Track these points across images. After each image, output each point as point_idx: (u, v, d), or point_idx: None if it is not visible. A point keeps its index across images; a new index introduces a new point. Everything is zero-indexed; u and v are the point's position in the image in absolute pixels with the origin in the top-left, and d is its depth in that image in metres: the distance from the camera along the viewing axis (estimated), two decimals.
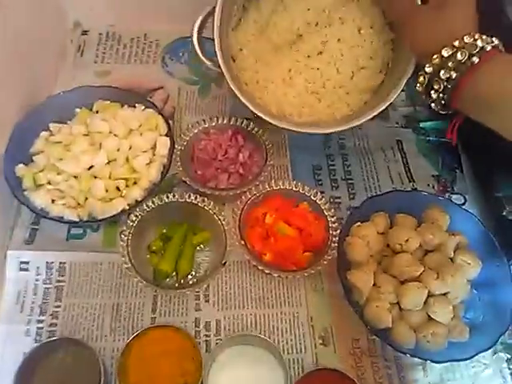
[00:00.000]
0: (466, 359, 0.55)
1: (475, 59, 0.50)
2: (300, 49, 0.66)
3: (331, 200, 0.71)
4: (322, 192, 0.70)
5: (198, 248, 0.64)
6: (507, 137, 0.48)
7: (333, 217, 0.64)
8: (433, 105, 0.55)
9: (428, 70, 0.53)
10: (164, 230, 0.64)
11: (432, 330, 0.56)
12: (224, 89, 0.81)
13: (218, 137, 0.70)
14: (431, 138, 0.79)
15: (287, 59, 0.66)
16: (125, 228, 0.61)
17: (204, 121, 0.71)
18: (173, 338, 0.56)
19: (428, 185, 0.75)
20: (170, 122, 0.73)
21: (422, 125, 0.80)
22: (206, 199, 0.63)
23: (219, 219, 0.62)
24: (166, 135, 0.67)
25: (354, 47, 0.65)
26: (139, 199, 0.63)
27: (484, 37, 0.51)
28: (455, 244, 0.62)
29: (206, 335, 0.60)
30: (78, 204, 0.63)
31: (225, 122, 0.71)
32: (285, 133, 0.75)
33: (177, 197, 0.63)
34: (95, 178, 0.64)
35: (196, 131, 0.70)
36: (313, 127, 0.65)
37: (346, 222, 0.62)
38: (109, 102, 0.71)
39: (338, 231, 0.62)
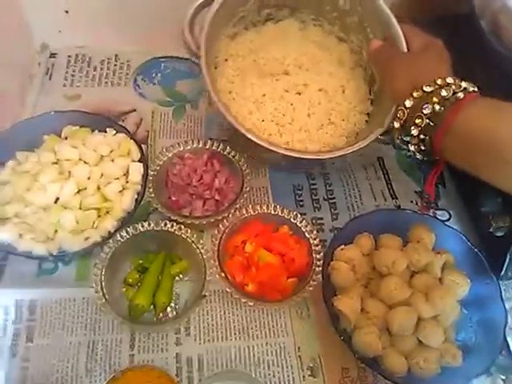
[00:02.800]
0: None
1: (460, 95, 0.49)
2: (282, 80, 0.65)
3: (313, 221, 0.69)
4: (303, 214, 0.68)
5: (176, 278, 0.61)
6: (495, 183, 0.47)
7: (315, 239, 0.62)
8: (411, 148, 0.53)
9: (408, 103, 0.52)
10: (140, 261, 0.61)
11: (424, 356, 0.54)
12: (199, 110, 0.79)
13: (192, 161, 0.67)
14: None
15: (266, 85, 0.65)
16: (98, 261, 0.57)
17: (178, 144, 0.68)
18: (152, 379, 0.52)
19: (411, 201, 0.73)
20: (144, 146, 0.71)
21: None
22: (182, 227, 0.60)
23: (197, 248, 0.59)
24: (139, 161, 0.65)
25: (332, 102, 0.65)
26: (112, 230, 0.60)
27: (466, 81, 0.51)
28: (442, 263, 0.60)
29: (189, 371, 0.56)
30: (48, 237, 0.59)
31: (200, 145, 0.68)
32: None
33: (152, 225, 0.60)
34: (65, 208, 0.60)
35: (170, 155, 0.67)
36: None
37: (330, 245, 0.59)
38: (78, 127, 0.68)
39: (322, 254, 0.60)
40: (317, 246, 0.61)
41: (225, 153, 0.68)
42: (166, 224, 0.60)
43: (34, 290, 0.60)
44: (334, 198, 0.72)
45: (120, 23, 0.82)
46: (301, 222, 0.63)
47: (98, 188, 0.62)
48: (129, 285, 0.60)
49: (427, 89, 0.50)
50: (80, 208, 0.60)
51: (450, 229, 0.63)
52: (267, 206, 0.63)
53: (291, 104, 0.65)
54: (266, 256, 0.59)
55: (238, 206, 0.63)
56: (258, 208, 0.63)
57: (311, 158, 0.61)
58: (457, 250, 0.62)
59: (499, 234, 0.62)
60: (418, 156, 0.53)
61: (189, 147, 0.68)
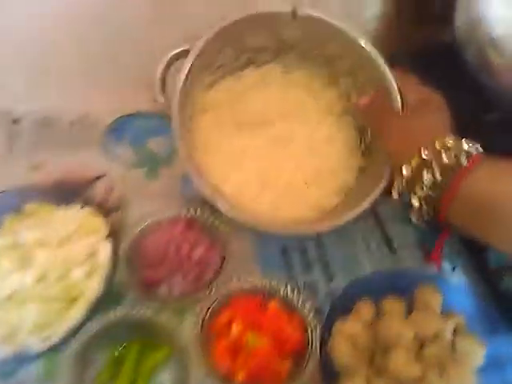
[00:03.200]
0: None
1: (464, 161, 0.44)
2: (265, 133, 0.60)
3: (306, 286, 0.62)
4: (293, 278, 0.62)
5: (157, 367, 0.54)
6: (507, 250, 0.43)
7: (310, 312, 0.55)
8: (413, 217, 0.48)
9: (406, 172, 0.47)
10: (115, 353, 0.54)
11: None
12: (174, 168, 0.73)
13: (168, 231, 0.61)
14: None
15: (246, 139, 0.61)
16: (63, 357, 0.50)
17: (152, 213, 0.62)
18: None
19: (411, 253, 0.67)
20: (115, 214, 0.65)
21: None
22: (160, 310, 0.54)
23: (177, 333, 0.53)
24: (109, 237, 0.58)
25: (321, 156, 0.61)
26: (80, 321, 0.53)
27: (467, 140, 0.46)
28: (453, 328, 0.54)
29: None
30: (5, 335, 0.52)
31: (176, 212, 0.62)
32: None
33: (125, 311, 0.53)
34: (25, 301, 0.53)
35: (143, 226, 0.61)
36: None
37: (326, 318, 0.53)
38: (40, 203, 0.62)
39: (319, 328, 0.53)
40: (312, 319, 0.54)
41: (204, 219, 0.62)
42: (140, 309, 0.53)
43: None
44: (326, 256, 0.65)
45: (88, 81, 0.77)
46: (292, 293, 0.56)
47: (62, 274, 0.55)
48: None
49: (426, 155, 0.45)
50: (42, 299, 0.54)
51: (457, 286, 0.58)
52: (253, 277, 0.57)
53: (275, 159, 0.59)
54: (255, 340, 0.52)
55: (220, 279, 0.57)
56: (243, 280, 0.57)
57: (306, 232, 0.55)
58: (466, 307, 0.57)
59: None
60: (423, 224, 0.48)
61: (163, 215, 0.62)
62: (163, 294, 0.57)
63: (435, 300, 0.55)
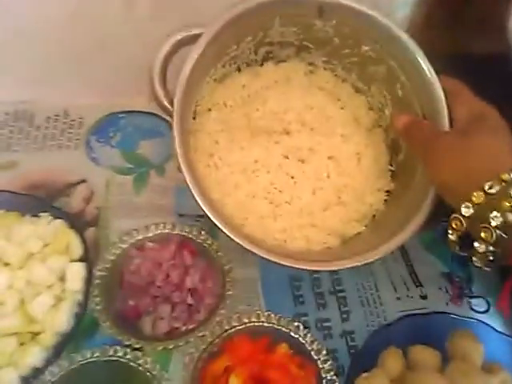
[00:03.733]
0: None
1: None
2: (281, 143, 0.50)
3: (318, 325, 0.52)
4: (304, 315, 0.52)
5: None
6: None
7: (326, 361, 0.45)
8: (474, 260, 0.39)
9: (467, 212, 0.38)
10: None
11: None
12: (167, 177, 0.63)
13: (156, 253, 0.51)
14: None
15: (260, 148, 0.50)
16: None
17: (137, 231, 0.52)
18: None
19: (440, 288, 0.57)
20: (93, 229, 0.55)
21: None
22: (140, 353, 0.43)
23: (162, 381, 0.42)
24: (81, 260, 0.48)
25: (344, 175, 0.51)
26: (40, 364, 0.43)
27: None
28: None
29: None
30: None
31: (166, 230, 0.52)
32: None
33: (97, 354, 0.43)
34: None
35: (126, 246, 0.51)
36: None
37: (348, 374, 0.43)
38: (4, 210, 0.51)
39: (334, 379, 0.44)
40: (328, 371, 0.45)
41: (200, 239, 0.52)
42: (116, 351, 0.43)
43: None
44: (342, 290, 0.56)
45: (70, 72, 0.67)
46: (305, 337, 0.46)
47: (22, 302, 0.45)
48: None
49: (491, 190, 0.37)
50: None
51: (499, 334, 0.48)
52: (258, 314, 0.47)
53: (292, 177, 0.50)
54: None
55: (217, 314, 0.47)
56: (246, 318, 0.47)
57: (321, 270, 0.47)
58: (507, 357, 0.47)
59: None
60: (486, 267, 0.38)
61: (151, 234, 0.52)
62: (146, 331, 0.47)
63: (476, 350, 0.46)
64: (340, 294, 0.55)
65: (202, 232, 0.52)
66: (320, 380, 0.45)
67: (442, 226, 0.48)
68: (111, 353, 0.43)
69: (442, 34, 0.64)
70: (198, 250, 0.52)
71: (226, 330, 0.46)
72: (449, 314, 0.50)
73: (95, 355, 0.43)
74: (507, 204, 0.36)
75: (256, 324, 0.47)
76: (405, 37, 0.49)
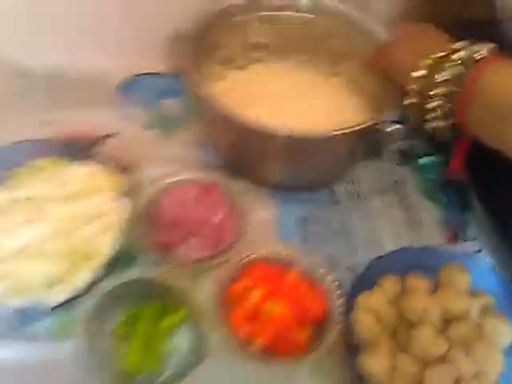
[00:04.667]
0: None
1: (478, 56, 0.43)
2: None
3: (326, 258, 0.60)
4: (313, 251, 0.59)
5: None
6: None
7: (332, 282, 0.53)
8: (430, 124, 0.47)
9: (418, 74, 0.46)
10: (128, 314, 0.51)
11: None
12: (192, 133, 0.70)
13: (185, 193, 0.58)
14: (434, 176, 0.69)
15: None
16: (76, 316, 0.49)
17: (168, 174, 0.59)
18: None
19: (436, 232, 0.64)
20: (126, 177, 0.62)
21: (421, 161, 0.70)
22: (176, 272, 0.51)
23: (192, 297, 0.50)
24: (120, 195, 0.55)
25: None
26: (92, 279, 0.50)
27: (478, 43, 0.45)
28: (480, 308, 0.52)
29: None
30: (17, 290, 0.49)
31: (192, 174, 0.59)
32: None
33: (138, 273, 0.51)
34: (36, 256, 0.51)
35: (158, 188, 0.58)
36: None
37: (351, 292, 0.50)
38: (49, 159, 0.59)
39: (340, 300, 0.51)
40: (334, 290, 0.52)
41: (222, 183, 0.59)
42: (153, 270, 0.51)
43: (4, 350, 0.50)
44: (348, 230, 0.63)
45: (99, 33, 0.73)
46: (313, 264, 0.54)
47: (73, 230, 0.52)
48: (117, 340, 0.50)
49: (439, 54, 0.44)
50: (53, 256, 0.51)
51: (486, 267, 0.55)
52: (273, 245, 0.54)
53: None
54: (275, 307, 0.49)
55: (238, 245, 0.54)
56: (263, 248, 0.54)
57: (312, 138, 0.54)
58: (493, 290, 0.54)
59: None
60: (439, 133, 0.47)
61: (180, 177, 0.59)
62: (180, 257, 0.54)
63: (463, 279, 0.53)
64: (345, 234, 0.62)
65: (225, 177, 0.59)
66: (326, 296, 0.52)
67: None
68: (151, 273, 0.51)
69: (433, 2, 0.69)
70: (223, 192, 0.59)
71: (246, 258, 0.53)
72: (442, 248, 0.57)
73: (137, 274, 0.51)
74: (450, 63, 0.43)
75: (271, 253, 0.54)
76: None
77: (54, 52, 0.75)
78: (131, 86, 0.75)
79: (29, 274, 0.50)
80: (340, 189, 0.66)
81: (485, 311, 0.52)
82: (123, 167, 0.59)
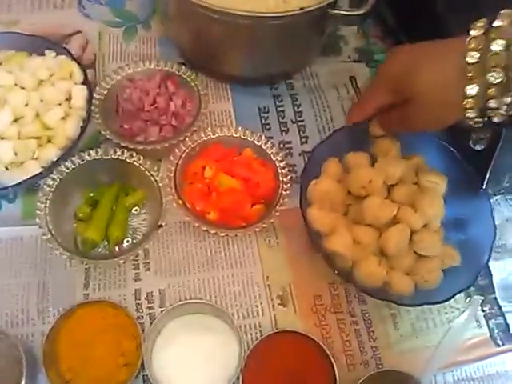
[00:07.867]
0: (443, 301, 0.49)
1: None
2: None
3: (281, 145, 0.64)
4: (270, 138, 0.63)
5: (133, 211, 0.56)
6: None
7: (281, 161, 0.57)
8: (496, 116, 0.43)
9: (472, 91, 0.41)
10: (91, 194, 0.56)
11: (427, 268, 0.51)
12: (152, 31, 0.71)
13: (144, 84, 0.60)
14: None
15: None
16: (41, 194, 0.52)
17: (128, 66, 0.61)
18: (107, 315, 0.49)
19: None
20: (91, 71, 0.64)
21: (376, 57, 0.72)
22: (135, 154, 0.54)
23: (152, 175, 0.54)
24: (83, 84, 0.58)
25: None
26: (55, 160, 0.54)
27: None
28: (415, 168, 0.56)
29: (149, 307, 0.53)
30: None
31: (152, 66, 0.61)
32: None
33: (101, 153, 0.54)
34: (1, 139, 0.54)
35: (119, 78, 0.60)
36: None
37: (302, 176, 0.53)
38: (14, 51, 0.60)
39: (289, 177, 0.56)
40: (283, 168, 0.56)
41: (180, 73, 0.61)
42: (115, 151, 0.54)
43: None
44: (302, 120, 0.66)
45: None
46: (266, 144, 0.58)
47: (38, 115, 0.55)
48: (79, 220, 0.55)
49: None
50: (18, 138, 0.54)
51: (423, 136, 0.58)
52: (228, 128, 0.58)
53: None
54: (227, 180, 0.54)
55: (195, 129, 0.57)
56: (219, 130, 0.58)
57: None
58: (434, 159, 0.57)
59: (479, 147, 0.57)
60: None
61: (139, 69, 0.62)
62: (138, 143, 0.57)
63: (395, 147, 0.56)
64: (300, 123, 0.66)
65: (183, 67, 0.61)
66: (276, 174, 0.56)
67: None
68: (111, 153, 0.54)
69: None
70: (180, 82, 0.61)
71: (202, 138, 0.57)
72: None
73: (99, 154, 0.54)
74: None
75: (227, 135, 0.58)
76: None
77: None
78: None
79: None
80: (298, 83, 0.69)
81: (419, 170, 0.56)
82: (88, 62, 0.61)
